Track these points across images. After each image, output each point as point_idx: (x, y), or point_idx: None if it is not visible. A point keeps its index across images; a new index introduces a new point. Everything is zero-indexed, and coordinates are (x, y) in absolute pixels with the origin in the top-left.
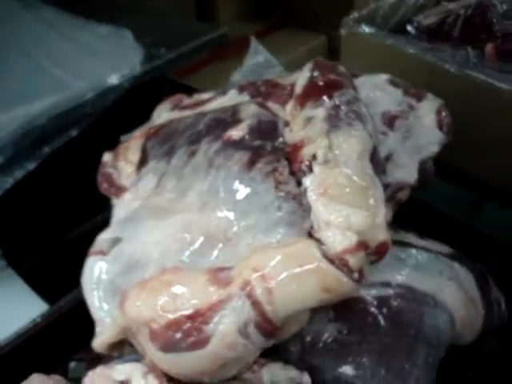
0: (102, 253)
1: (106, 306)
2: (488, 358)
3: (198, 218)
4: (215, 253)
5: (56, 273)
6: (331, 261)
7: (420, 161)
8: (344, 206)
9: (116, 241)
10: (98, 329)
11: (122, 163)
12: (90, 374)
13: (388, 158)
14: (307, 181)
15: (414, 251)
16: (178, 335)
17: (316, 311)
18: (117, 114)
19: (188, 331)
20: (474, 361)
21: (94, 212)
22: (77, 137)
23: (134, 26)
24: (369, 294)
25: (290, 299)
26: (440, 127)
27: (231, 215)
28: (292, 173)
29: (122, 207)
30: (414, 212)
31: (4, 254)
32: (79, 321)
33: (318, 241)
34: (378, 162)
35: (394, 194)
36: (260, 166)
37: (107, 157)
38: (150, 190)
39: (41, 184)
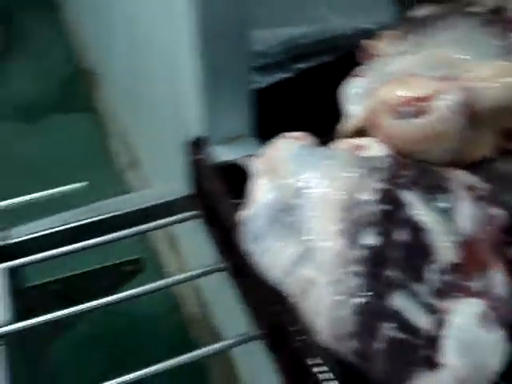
0: (360, 75)
1: (357, 106)
2: None
3: (436, 53)
4: (444, 69)
5: None
6: None
7: None
8: None
9: (370, 69)
10: (345, 121)
11: (375, 42)
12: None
13: None
14: None
15: None
16: (409, 108)
17: None
18: None
19: (416, 106)
20: None
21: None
22: (327, 63)
23: None
24: None
25: (494, 95)
26: None
27: (462, 54)
28: None
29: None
30: None
31: None
32: None
33: None
34: None
35: None
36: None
37: (365, 42)
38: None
39: (293, 92)
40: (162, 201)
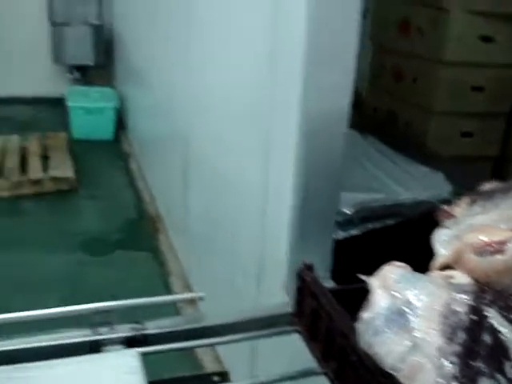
0: (446, 227)
1: (445, 248)
2: None
3: (505, 212)
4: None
5: None
6: None
7: None
8: None
9: (453, 224)
10: (436, 259)
11: (452, 207)
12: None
13: None
14: None
15: None
16: (488, 248)
17: None
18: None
19: (494, 247)
20: None
21: None
22: (392, 226)
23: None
24: None
25: None
26: None
27: None
28: None
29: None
30: None
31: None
32: None
33: None
34: None
35: None
36: None
37: (444, 206)
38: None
39: (364, 246)
40: (262, 315)
